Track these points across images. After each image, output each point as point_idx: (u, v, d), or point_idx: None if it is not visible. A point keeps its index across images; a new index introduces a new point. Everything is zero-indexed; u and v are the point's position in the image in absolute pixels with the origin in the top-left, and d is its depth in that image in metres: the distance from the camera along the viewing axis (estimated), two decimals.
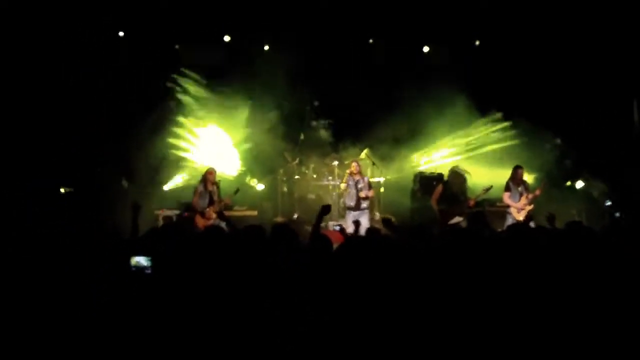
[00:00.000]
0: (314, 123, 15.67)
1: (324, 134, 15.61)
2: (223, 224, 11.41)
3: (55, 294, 4.55)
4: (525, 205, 11.85)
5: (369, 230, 7.69)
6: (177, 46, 15.37)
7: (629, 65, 14.42)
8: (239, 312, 4.33)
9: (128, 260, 4.96)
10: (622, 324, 4.33)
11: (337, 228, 11.83)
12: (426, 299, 4.46)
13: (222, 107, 15.34)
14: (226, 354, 4.24)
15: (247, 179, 14.98)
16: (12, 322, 4.35)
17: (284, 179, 14.88)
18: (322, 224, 11.77)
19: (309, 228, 12.60)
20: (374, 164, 14.40)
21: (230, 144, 15.38)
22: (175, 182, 14.85)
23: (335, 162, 14.49)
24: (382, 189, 14.62)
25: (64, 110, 14.02)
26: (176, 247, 5.14)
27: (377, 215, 13.89)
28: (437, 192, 11.80)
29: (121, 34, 14.88)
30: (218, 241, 5.23)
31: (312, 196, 14.52)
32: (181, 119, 15.22)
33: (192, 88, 15.35)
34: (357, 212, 12.27)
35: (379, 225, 12.36)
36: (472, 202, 11.63)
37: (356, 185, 12.37)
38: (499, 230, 10.79)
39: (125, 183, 14.46)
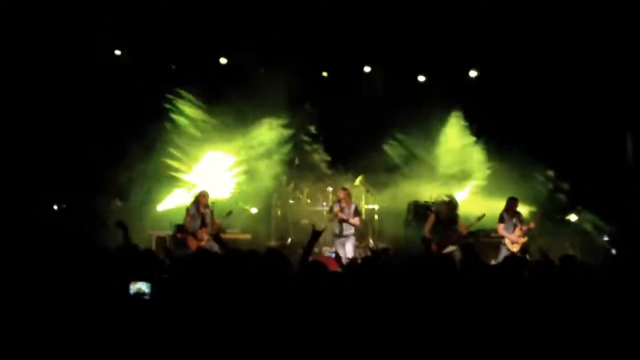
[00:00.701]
0: (309, 148, 15.68)
1: (319, 159, 15.61)
2: (215, 247, 11.46)
3: (53, 316, 4.51)
4: (519, 237, 11.86)
5: (364, 259, 7.64)
6: (173, 66, 15.35)
7: (622, 98, 14.50)
8: (237, 335, 4.30)
9: (127, 285, 4.94)
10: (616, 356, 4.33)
11: (332, 255, 11.62)
12: (417, 326, 4.45)
13: (217, 129, 15.34)
14: None
15: (241, 202, 14.95)
16: (9, 345, 4.30)
17: (278, 203, 14.86)
18: (316, 250, 11.81)
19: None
20: (368, 191, 14.43)
21: (225, 167, 15.34)
22: (169, 202, 14.77)
23: (330, 188, 14.50)
24: (376, 217, 14.61)
25: (57, 128, 13.96)
26: (172, 271, 5.12)
27: (371, 243, 13.87)
28: (430, 222, 11.77)
29: (117, 52, 14.86)
30: (210, 264, 5.21)
31: (305, 221, 14.46)
32: (175, 139, 15.17)
33: (187, 109, 15.34)
34: (342, 239, 12.15)
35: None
36: (464, 231, 11.62)
37: (342, 212, 12.24)
38: (493, 261, 10.88)
39: (117, 202, 14.43)
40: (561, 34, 13.99)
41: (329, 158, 15.68)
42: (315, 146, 15.77)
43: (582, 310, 4.77)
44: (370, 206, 14.62)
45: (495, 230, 12.44)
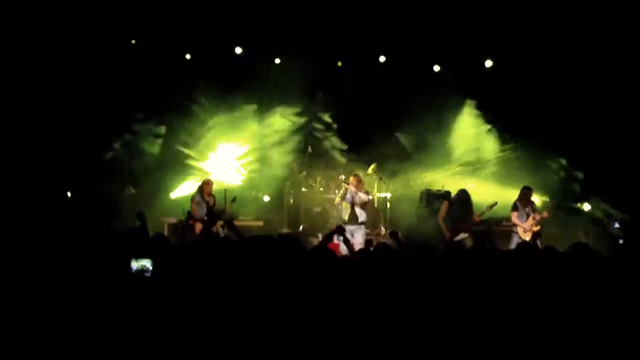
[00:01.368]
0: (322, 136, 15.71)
1: (331, 147, 15.64)
2: (224, 232, 11.64)
3: (55, 294, 4.57)
4: (532, 226, 11.83)
5: (378, 244, 7.64)
6: (188, 56, 15.38)
7: (637, 86, 14.40)
8: (240, 317, 4.33)
9: (129, 262, 4.99)
10: (624, 347, 4.33)
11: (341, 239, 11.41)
12: (429, 312, 4.48)
13: (232, 117, 15.40)
14: (225, 357, 4.25)
15: (254, 190, 15.03)
16: (12, 322, 4.35)
17: (291, 191, 14.88)
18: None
19: (314, 240, 12.67)
20: (380, 179, 14.43)
21: (239, 154, 15.39)
22: (182, 190, 14.84)
23: (342, 176, 14.48)
24: (388, 205, 14.61)
25: (73, 115, 14.07)
26: (177, 251, 5.17)
27: (383, 231, 13.89)
28: (444, 209, 11.79)
29: (133, 42, 14.89)
30: (219, 248, 5.25)
31: (318, 209, 14.50)
32: (190, 128, 15.24)
33: (202, 98, 15.39)
34: (352, 227, 11.86)
35: (386, 240, 12.40)
36: (477, 219, 11.62)
37: (353, 200, 12.11)
38: (505, 249, 10.86)
39: (130, 189, 14.53)
40: (576, 21, 13.92)
41: (344, 146, 15.70)
42: (329, 134, 15.79)
43: (592, 299, 4.78)
44: (383, 194, 14.61)
45: (508, 219, 12.42)
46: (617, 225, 14.18)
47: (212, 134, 15.41)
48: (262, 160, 15.41)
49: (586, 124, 14.71)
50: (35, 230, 10.15)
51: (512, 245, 11.31)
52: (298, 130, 15.65)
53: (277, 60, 15.60)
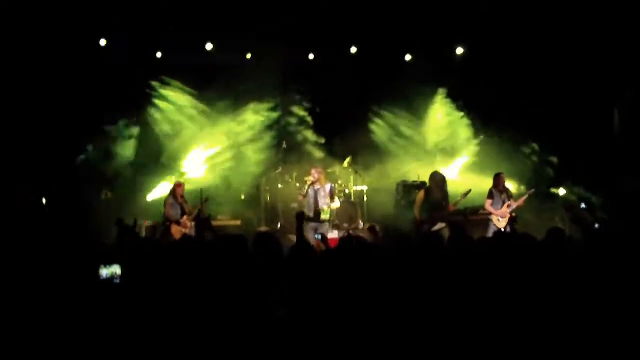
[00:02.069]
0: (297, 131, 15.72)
1: (307, 141, 15.65)
2: (206, 234, 11.68)
3: (23, 301, 4.52)
4: (507, 213, 11.90)
5: (355, 238, 7.59)
6: (158, 54, 15.27)
7: (609, 73, 14.52)
8: (216, 320, 4.31)
9: (97, 269, 4.95)
10: (602, 332, 4.36)
11: (319, 237, 11.26)
12: (406, 303, 4.48)
13: (204, 114, 15.34)
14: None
15: (231, 188, 15.01)
16: None
17: (267, 187, 14.83)
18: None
19: (293, 237, 12.63)
20: (356, 172, 14.44)
21: (213, 152, 15.34)
22: (158, 191, 14.76)
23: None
24: (365, 197, 14.63)
25: (42, 117, 13.86)
26: (148, 256, 5.13)
27: (361, 224, 13.90)
28: (419, 199, 11.79)
29: (103, 41, 14.74)
30: (194, 250, 5.23)
31: (295, 205, 14.40)
32: (162, 127, 15.16)
33: (173, 96, 15.29)
34: (315, 224, 11.44)
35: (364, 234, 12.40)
36: (451, 207, 11.63)
37: (316, 195, 11.66)
38: (481, 237, 10.88)
39: (105, 193, 14.41)
40: (547, 8, 13.99)
41: (321, 140, 15.70)
42: (303, 128, 15.79)
43: (569, 282, 4.81)
44: (359, 187, 14.62)
45: (484, 207, 12.49)
46: (583, 205, 14.28)
47: (187, 133, 15.35)
48: (237, 157, 15.36)
49: (558, 108, 14.83)
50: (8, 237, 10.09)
51: (489, 234, 11.35)
52: (272, 125, 15.65)
53: (248, 56, 15.52)
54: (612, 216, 13.64)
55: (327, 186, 11.78)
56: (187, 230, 12.08)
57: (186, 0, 13.89)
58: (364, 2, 14.07)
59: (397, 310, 4.45)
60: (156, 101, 15.20)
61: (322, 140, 15.68)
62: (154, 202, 14.53)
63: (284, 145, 15.11)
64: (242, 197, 15.05)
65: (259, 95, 15.26)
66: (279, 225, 14.21)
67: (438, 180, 11.82)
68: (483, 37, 15.12)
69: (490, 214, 12.09)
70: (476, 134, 15.84)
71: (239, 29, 14.43)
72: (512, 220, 11.82)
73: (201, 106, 15.40)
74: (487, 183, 12.58)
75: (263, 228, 13.98)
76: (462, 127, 15.91)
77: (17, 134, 13.59)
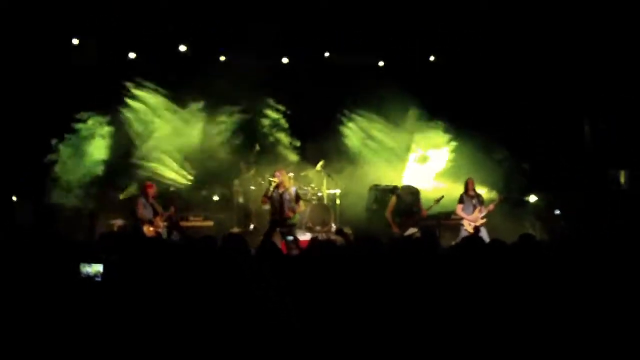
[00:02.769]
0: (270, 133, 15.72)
1: (280, 144, 15.66)
2: (174, 234, 11.65)
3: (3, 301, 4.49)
4: (477, 218, 11.99)
5: (325, 241, 7.56)
6: (131, 55, 15.16)
7: (579, 82, 14.68)
8: (187, 320, 4.30)
9: (78, 267, 4.93)
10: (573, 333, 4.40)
11: (291, 238, 10.71)
12: (375, 307, 4.49)
13: (178, 116, 15.29)
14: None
15: (204, 189, 14.95)
16: None
17: (240, 189, 14.78)
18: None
19: None
20: (329, 175, 14.45)
21: (185, 153, 15.29)
22: (130, 191, 14.66)
23: (291, 174, 14.44)
24: (338, 201, 14.64)
25: (10, 117, 13.72)
26: (126, 254, 5.11)
27: (334, 227, 13.91)
28: (392, 204, 11.87)
29: (75, 41, 14.61)
30: (165, 250, 5.22)
31: (267, 207, 14.44)
32: (135, 128, 15.07)
33: (146, 96, 15.21)
34: (284, 229, 11.27)
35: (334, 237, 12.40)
36: (424, 213, 11.73)
37: (281, 199, 11.39)
38: (452, 242, 10.98)
39: (77, 192, 14.29)
40: (519, 17, 14.10)
41: (297, 143, 15.70)
42: (276, 131, 15.79)
43: (539, 289, 4.86)
44: (332, 191, 14.64)
45: (455, 212, 12.56)
46: (557, 212, 14.39)
47: (159, 134, 15.28)
48: (210, 159, 15.28)
49: (530, 116, 14.98)
50: None
51: (460, 238, 11.42)
52: (245, 127, 15.61)
53: (222, 58, 15.49)
54: (581, 221, 13.76)
55: (293, 189, 11.60)
56: (159, 231, 11.93)
57: (161, 2, 13.81)
58: (339, 8, 14.09)
59: (366, 311, 4.46)
60: (129, 101, 15.07)
61: (298, 143, 15.68)
62: (125, 200, 14.42)
63: (257, 148, 15.07)
64: (215, 198, 14.98)
65: (232, 98, 15.21)
66: (251, 227, 14.18)
67: (410, 191, 11.95)
68: (456, 45, 15.22)
69: (462, 219, 12.18)
70: (449, 140, 15.90)
71: (213, 31, 14.40)
72: (479, 228, 11.91)
73: (174, 107, 15.32)
74: (459, 189, 12.68)
75: (235, 230, 13.94)
76: (435, 133, 15.96)
77: None
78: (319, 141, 15.12)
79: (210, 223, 14.04)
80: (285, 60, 15.79)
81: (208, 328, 4.24)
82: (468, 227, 11.97)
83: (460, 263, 5.47)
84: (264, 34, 14.04)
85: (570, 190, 14.47)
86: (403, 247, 5.96)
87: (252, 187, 14.64)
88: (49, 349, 4.22)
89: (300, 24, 14.36)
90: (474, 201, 12.20)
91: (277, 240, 10.67)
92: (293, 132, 15.76)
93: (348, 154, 15.67)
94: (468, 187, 12.36)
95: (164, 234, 11.91)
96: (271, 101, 15.75)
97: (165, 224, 12.07)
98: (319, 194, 14.50)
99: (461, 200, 12.28)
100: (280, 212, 11.37)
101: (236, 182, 14.84)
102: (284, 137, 15.74)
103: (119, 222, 13.42)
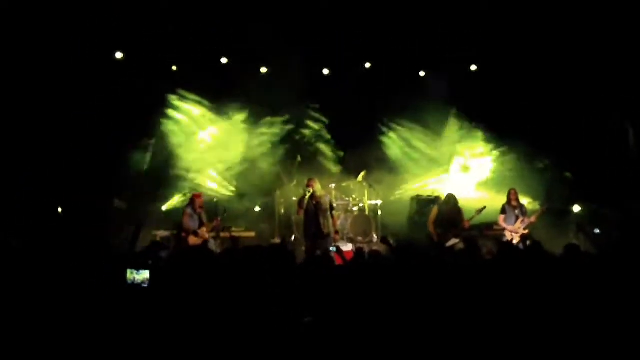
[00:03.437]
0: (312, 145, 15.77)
1: (322, 155, 15.70)
2: (213, 244, 11.67)
3: (53, 308, 4.57)
4: (520, 228, 11.86)
5: (371, 252, 7.49)
6: (174, 68, 15.37)
7: (623, 90, 14.49)
8: (234, 326, 4.34)
9: (124, 274, 5.01)
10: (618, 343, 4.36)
11: (334, 250, 9.98)
12: (422, 316, 4.50)
13: (220, 127, 15.44)
14: None
15: (246, 200, 15.04)
16: (10, 338, 4.35)
17: (281, 200, 14.84)
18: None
19: None
20: (371, 186, 14.45)
21: (228, 165, 15.41)
22: (173, 202, 14.83)
23: (333, 185, 14.49)
24: (379, 212, 14.63)
25: (57, 129, 14.01)
26: (172, 262, 5.18)
27: (375, 238, 13.90)
28: (433, 215, 11.82)
29: (119, 55, 14.86)
30: (210, 259, 5.28)
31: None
32: (178, 139, 15.24)
33: (188, 109, 15.39)
34: (321, 240, 10.87)
35: (377, 247, 12.39)
36: (466, 224, 11.65)
37: (316, 210, 11.07)
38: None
39: (119, 203, 14.45)
40: (562, 24, 14.00)
41: (341, 154, 15.72)
42: (318, 142, 15.84)
43: (586, 299, 4.82)
44: (373, 202, 14.63)
45: (497, 222, 12.46)
46: (597, 231, 14.09)
47: (201, 145, 15.45)
48: (252, 170, 15.39)
49: (571, 122, 14.81)
50: (29, 244, 10.15)
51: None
52: (286, 138, 15.69)
53: (264, 70, 15.63)
54: (625, 234, 13.52)
55: (327, 198, 11.36)
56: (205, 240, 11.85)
57: (202, 15, 13.98)
58: (379, 19, 14.12)
59: (410, 320, 4.48)
60: (171, 113, 15.24)
61: (341, 154, 15.69)
62: (167, 211, 14.58)
63: (299, 159, 15.14)
64: (257, 209, 15.06)
65: (274, 109, 15.32)
66: (293, 238, 14.22)
67: (451, 202, 11.88)
68: (497, 54, 15.14)
69: (504, 229, 12.08)
70: (491, 149, 15.80)
71: (255, 43, 14.50)
72: (524, 238, 11.74)
73: (217, 119, 15.47)
74: (502, 198, 12.58)
75: (277, 240, 14.00)
76: (477, 143, 15.88)
77: (29, 144, 13.70)
78: (360, 152, 15.12)
79: (252, 234, 14.10)
80: (326, 71, 15.86)
81: (250, 335, 4.28)
82: (510, 237, 11.86)
83: (505, 273, 5.45)
84: (305, 45, 14.14)
85: (615, 200, 14.24)
86: (447, 258, 5.96)
87: (294, 198, 14.65)
88: (94, 353, 4.28)
89: (341, 35, 14.41)
90: (517, 212, 12.08)
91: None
92: (334, 142, 15.77)
93: (389, 164, 15.62)
94: (511, 197, 12.23)
95: (212, 246, 11.88)
96: (312, 112, 15.79)
97: (211, 234, 12.02)
98: (361, 205, 14.51)
99: (503, 211, 12.17)
100: (315, 222, 11.06)
101: (278, 192, 14.90)
102: (325, 148, 15.78)
103: (161, 233, 13.56)
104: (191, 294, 4.74)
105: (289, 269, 5.18)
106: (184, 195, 14.85)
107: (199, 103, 15.42)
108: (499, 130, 15.48)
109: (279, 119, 15.58)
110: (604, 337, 4.40)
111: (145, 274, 5.11)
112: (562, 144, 14.91)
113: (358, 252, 8.26)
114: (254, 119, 15.50)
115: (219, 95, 15.30)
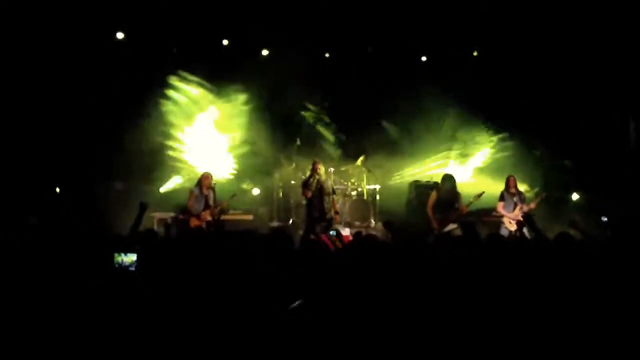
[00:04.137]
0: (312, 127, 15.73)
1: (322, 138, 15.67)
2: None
3: (39, 290, 4.56)
4: (518, 216, 11.87)
5: (367, 236, 7.57)
6: (174, 49, 15.31)
7: (624, 81, 14.47)
8: (226, 312, 4.33)
9: (112, 257, 5.00)
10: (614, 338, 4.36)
11: (334, 233, 11.01)
12: (418, 303, 4.49)
13: (220, 109, 15.40)
14: (211, 353, 4.25)
15: (244, 183, 15.00)
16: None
17: (280, 184, 14.84)
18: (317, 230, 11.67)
19: None
20: (369, 171, 14.46)
21: (226, 147, 15.38)
22: (171, 184, 14.80)
23: (332, 169, 14.49)
24: (377, 197, 14.64)
25: (55, 110, 13.98)
26: (162, 246, 5.17)
27: (373, 223, 13.93)
28: (432, 200, 11.79)
29: (120, 35, 14.80)
30: (206, 242, 5.27)
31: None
32: (176, 120, 15.20)
33: (188, 90, 15.33)
34: (325, 223, 11.23)
35: (376, 232, 12.41)
36: (464, 209, 11.63)
37: (320, 191, 11.41)
38: (491, 234, 10.85)
39: (118, 184, 14.42)
40: (563, 15, 13.96)
41: (343, 137, 15.70)
42: (318, 126, 15.81)
43: (577, 287, 4.82)
44: (372, 186, 14.64)
45: (496, 209, 12.48)
46: (604, 218, 14.10)
47: (202, 127, 15.42)
48: (251, 152, 15.37)
49: (573, 113, 14.80)
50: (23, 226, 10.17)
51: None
52: (286, 121, 15.65)
53: (265, 52, 15.58)
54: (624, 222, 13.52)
55: (328, 182, 11.64)
56: (205, 225, 11.61)
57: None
58: (380, 3, 14.06)
59: (408, 308, 4.47)
60: (170, 93, 15.19)
61: (343, 137, 15.65)
62: (166, 193, 14.56)
63: (298, 142, 15.13)
64: (255, 192, 15.03)
65: (274, 92, 15.27)
66: (290, 221, 14.24)
67: (450, 181, 11.85)
68: (498, 41, 15.12)
69: (502, 216, 12.09)
70: (490, 136, 15.80)
71: (256, 25, 14.45)
72: (520, 224, 11.75)
73: (216, 100, 15.43)
74: (500, 185, 12.58)
75: (275, 224, 14.03)
76: (476, 129, 15.86)
77: (27, 125, 13.70)
78: (360, 136, 15.12)
79: (249, 217, 14.06)
80: (327, 54, 15.82)
81: (242, 321, 4.28)
82: (508, 224, 11.86)
83: (500, 260, 5.45)
84: (306, 28, 14.08)
85: (614, 190, 14.24)
86: (445, 243, 5.96)
87: (292, 182, 14.71)
88: (80, 337, 4.27)
89: (343, 18, 14.35)
90: (515, 199, 12.09)
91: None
92: (334, 126, 15.73)
93: (388, 150, 15.58)
94: (510, 184, 12.24)
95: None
96: (313, 95, 15.73)
97: (211, 219, 11.73)
98: (359, 189, 14.51)
99: (502, 198, 12.17)
100: (319, 206, 11.30)
101: (276, 176, 14.91)
102: (325, 132, 15.74)
103: (159, 215, 13.54)
104: (179, 279, 4.73)
105: (287, 254, 5.16)
106: (182, 176, 14.83)
107: (199, 84, 15.35)
108: (498, 117, 15.47)
109: (279, 102, 15.51)
110: (597, 331, 4.40)
111: (132, 257, 5.08)
112: (561, 133, 14.91)
113: (356, 236, 8.30)
114: (254, 102, 15.43)
115: (219, 77, 15.22)
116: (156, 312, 4.37)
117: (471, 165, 15.83)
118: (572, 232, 12.40)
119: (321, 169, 11.56)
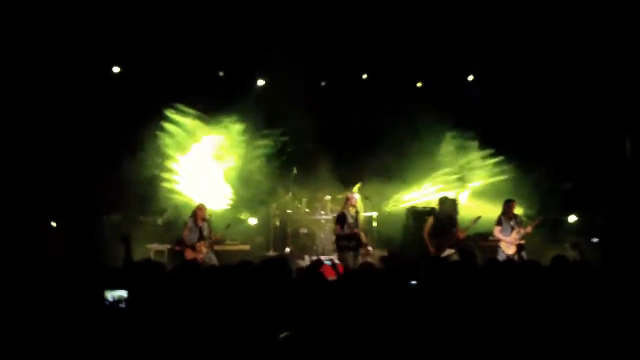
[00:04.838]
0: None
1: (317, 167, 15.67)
2: (214, 259, 11.57)
3: (28, 323, 4.52)
4: (516, 240, 11.86)
5: (364, 264, 7.60)
6: (170, 81, 15.32)
7: (620, 101, 14.52)
8: (222, 345, 4.31)
9: (103, 293, 4.96)
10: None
11: (329, 263, 10.79)
12: (416, 330, 4.47)
13: (217, 140, 15.43)
14: None
15: (241, 213, 15.00)
16: None
17: (277, 213, 14.83)
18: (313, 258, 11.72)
19: (301, 262, 12.67)
20: (366, 198, 14.45)
21: (222, 177, 15.38)
22: (167, 216, 14.77)
23: (328, 197, 14.51)
24: (374, 224, 14.62)
25: (52, 142, 13.99)
26: (153, 281, 5.13)
27: (371, 249, 13.90)
28: (429, 225, 11.78)
29: (116, 69, 14.87)
30: (196, 275, 5.23)
31: (304, 230, 14.50)
32: (172, 152, 15.21)
33: (184, 121, 15.34)
34: (357, 252, 11.78)
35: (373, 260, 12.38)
36: (461, 234, 11.63)
37: (356, 221, 11.87)
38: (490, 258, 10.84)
39: (115, 217, 14.39)
40: (559, 35, 14.02)
41: (340, 165, 15.64)
42: (315, 154, 15.80)
43: (573, 310, 4.80)
44: (369, 213, 14.63)
45: (493, 234, 12.46)
46: (595, 240, 14.11)
47: (196, 157, 15.41)
48: (247, 182, 15.36)
49: (570, 136, 14.84)
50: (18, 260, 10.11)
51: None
52: (282, 151, 15.66)
53: (260, 82, 15.64)
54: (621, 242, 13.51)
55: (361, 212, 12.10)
56: (201, 256, 11.67)
57: (198, 28, 13.97)
58: (375, 30, 14.13)
59: (404, 337, 4.45)
60: (167, 126, 15.20)
61: (337, 165, 15.65)
62: (162, 225, 14.52)
63: (294, 171, 15.13)
64: (252, 222, 15.00)
65: (270, 121, 15.30)
66: (287, 251, 14.21)
67: (447, 205, 11.86)
68: (494, 64, 15.17)
69: (499, 240, 12.07)
70: (486, 160, 15.81)
71: (252, 55, 14.52)
72: (520, 248, 11.77)
73: (213, 131, 15.44)
74: (497, 209, 12.56)
75: (272, 253, 13.99)
76: (472, 153, 15.89)
77: (23, 156, 13.71)
78: (356, 163, 15.10)
79: (246, 247, 14.05)
80: (323, 83, 15.88)
81: (239, 354, 4.25)
82: (506, 248, 11.85)
83: (498, 285, 5.44)
84: (302, 57, 14.15)
85: (611, 209, 14.24)
86: (441, 270, 5.93)
87: (289, 211, 14.71)
88: None
89: (337, 46, 14.41)
90: (512, 222, 12.05)
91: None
92: (331, 154, 15.71)
93: (385, 176, 15.56)
94: (508, 209, 12.19)
95: (213, 260, 11.71)
96: (308, 124, 15.72)
97: (207, 250, 11.85)
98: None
99: (499, 222, 12.14)
100: (357, 236, 11.76)
101: (274, 205, 14.90)
102: (321, 160, 15.71)
103: (155, 246, 13.51)
104: (171, 314, 4.69)
105: (286, 284, 5.15)
106: (179, 208, 14.79)
107: (195, 116, 15.35)
108: (494, 141, 15.50)
109: (275, 131, 15.53)
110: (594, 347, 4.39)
111: (122, 294, 5.03)
112: (557, 155, 14.94)
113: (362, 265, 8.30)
114: (251, 131, 15.44)
115: (215, 108, 15.24)
116: (146, 350, 4.33)
117: (467, 190, 15.82)
118: (571, 253, 12.55)
119: (358, 201, 12.17)
